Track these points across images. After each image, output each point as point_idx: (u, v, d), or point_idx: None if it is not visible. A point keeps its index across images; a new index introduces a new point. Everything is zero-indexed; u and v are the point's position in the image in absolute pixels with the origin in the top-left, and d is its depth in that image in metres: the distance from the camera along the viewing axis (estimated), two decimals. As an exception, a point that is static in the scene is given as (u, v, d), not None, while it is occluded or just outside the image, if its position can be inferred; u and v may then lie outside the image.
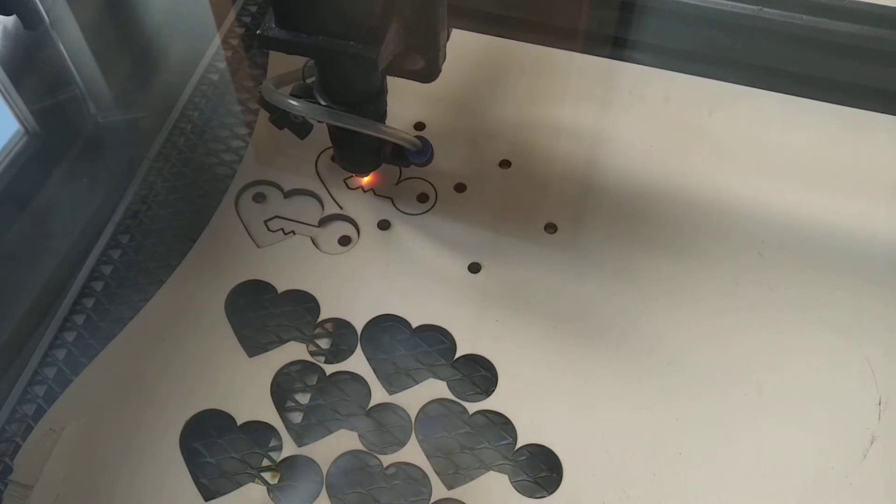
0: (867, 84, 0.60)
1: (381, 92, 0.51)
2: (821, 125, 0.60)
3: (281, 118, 0.52)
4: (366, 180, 0.58)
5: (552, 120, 0.62)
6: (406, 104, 0.61)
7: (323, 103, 0.50)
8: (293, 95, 0.50)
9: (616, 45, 0.63)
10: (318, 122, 0.52)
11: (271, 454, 0.49)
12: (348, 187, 0.59)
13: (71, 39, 0.66)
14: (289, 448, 0.48)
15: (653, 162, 0.59)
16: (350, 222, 0.57)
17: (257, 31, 0.46)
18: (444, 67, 0.50)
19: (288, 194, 0.59)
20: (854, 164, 0.58)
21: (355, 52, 0.44)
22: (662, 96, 0.62)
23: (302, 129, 0.53)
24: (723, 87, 0.62)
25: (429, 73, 0.50)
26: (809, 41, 0.60)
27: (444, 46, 0.49)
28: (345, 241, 0.57)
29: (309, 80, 0.51)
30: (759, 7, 0.58)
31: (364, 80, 0.49)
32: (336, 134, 0.54)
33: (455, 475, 0.48)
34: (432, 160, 0.54)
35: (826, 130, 0.60)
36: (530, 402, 0.49)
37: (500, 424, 0.49)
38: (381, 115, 0.53)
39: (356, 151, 0.55)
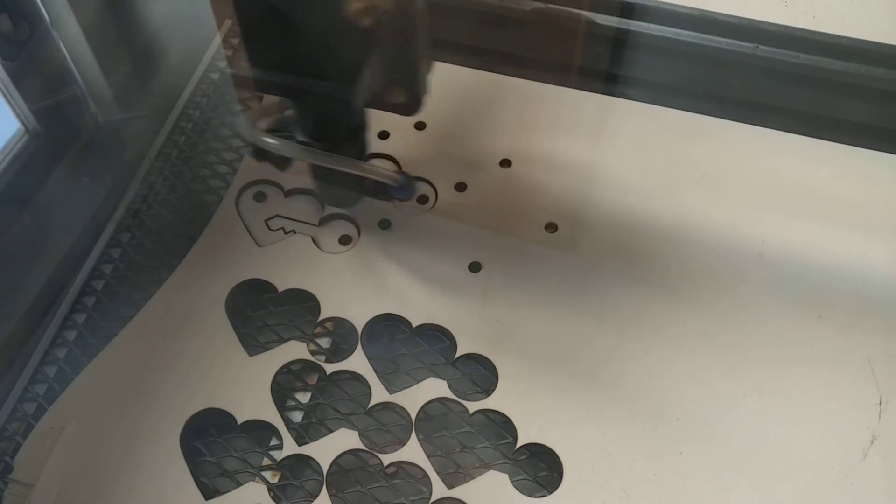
0: (863, 122, 0.61)
1: (362, 127, 0.50)
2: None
3: (260, 151, 0.50)
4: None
5: (553, 119, 0.62)
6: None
7: (300, 139, 0.48)
8: (271, 130, 0.49)
9: (609, 80, 0.64)
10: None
11: (272, 453, 0.49)
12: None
13: (71, 38, 0.66)
14: (289, 447, 0.48)
15: (653, 162, 0.59)
16: (350, 222, 0.57)
17: (226, 69, 0.44)
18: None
19: (288, 193, 0.59)
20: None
21: (332, 93, 0.43)
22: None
23: (283, 162, 0.52)
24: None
25: (411, 106, 0.48)
26: (805, 79, 0.61)
27: (426, 80, 0.48)
28: (345, 240, 0.57)
29: (287, 113, 0.50)
30: (755, 45, 0.59)
31: (342, 118, 0.48)
32: (317, 170, 0.53)
33: (455, 474, 0.48)
34: (415, 195, 0.53)
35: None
36: (531, 402, 0.49)
37: (501, 423, 0.49)
38: (360, 151, 0.51)
39: (337, 187, 0.54)
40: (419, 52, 0.46)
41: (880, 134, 0.60)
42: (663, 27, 0.63)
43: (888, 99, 0.60)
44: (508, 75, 0.64)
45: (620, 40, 0.63)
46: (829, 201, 0.57)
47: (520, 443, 0.48)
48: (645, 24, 0.63)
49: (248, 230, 0.57)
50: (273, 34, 0.42)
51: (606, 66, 0.64)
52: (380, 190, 0.52)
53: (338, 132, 0.49)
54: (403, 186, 0.51)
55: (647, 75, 0.64)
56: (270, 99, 0.49)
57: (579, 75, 0.64)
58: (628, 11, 0.63)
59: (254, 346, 0.52)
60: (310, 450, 0.48)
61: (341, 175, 0.50)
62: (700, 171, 0.59)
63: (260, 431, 0.49)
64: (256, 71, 0.44)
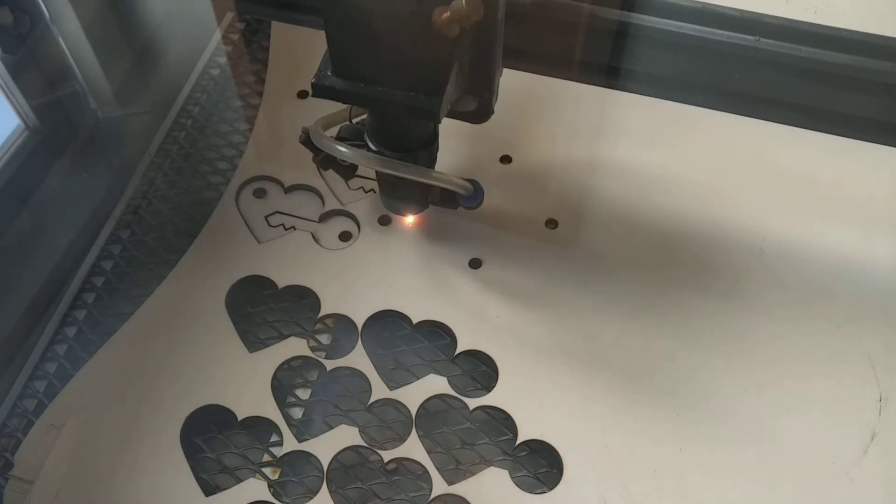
0: (864, 115, 0.61)
1: (435, 137, 0.50)
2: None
3: (326, 159, 0.50)
4: (409, 220, 0.57)
5: (554, 114, 0.62)
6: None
7: (373, 148, 0.48)
8: (340, 138, 0.49)
9: (610, 74, 0.64)
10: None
11: (272, 449, 0.49)
12: (349, 187, 0.58)
13: (71, 34, 0.66)
14: (289, 443, 0.48)
15: (653, 163, 0.59)
16: (351, 218, 0.57)
17: (312, 80, 0.44)
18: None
19: (288, 190, 0.59)
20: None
21: (417, 105, 0.42)
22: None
23: (348, 170, 0.52)
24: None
25: (481, 114, 0.48)
26: (806, 72, 0.61)
27: (497, 87, 0.48)
28: (345, 236, 0.57)
29: (356, 121, 0.50)
30: (757, 38, 0.59)
31: (420, 128, 0.48)
32: (384, 177, 0.52)
33: (455, 471, 0.48)
34: (482, 202, 0.53)
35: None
36: (531, 398, 0.49)
37: (501, 420, 0.49)
38: (432, 160, 0.51)
39: (405, 195, 0.53)
40: (496, 61, 0.46)
41: (882, 127, 0.60)
42: (665, 20, 0.63)
43: (891, 92, 0.60)
44: (510, 69, 0.64)
45: (622, 33, 0.63)
46: (831, 195, 0.57)
47: (520, 439, 0.48)
48: (646, 17, 0.63)
49: (248, 226, 0.57)
50: (359, 44, 0.42)
51: (607, 59, 0.64)
52: (448, 198, 0.52)
53: (415, 142, 0.49)
54: (473, 195, 0.51)
55: (648, 68, 0.64)
56: (338, 107, 0.49)
57: (580, 68, 0.64)
58: (629, 4, 0.63)
59: (254, 342, 0.52)
60: (310, 446, 0.48)
61: (408, 183, 0.49)
62: (701, 166, 0.59)
63: (260, 428, 0.49)
64: (341, 81, 0.43)
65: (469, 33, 0.43)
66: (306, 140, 0.49)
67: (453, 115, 0.48)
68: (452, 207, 0.53)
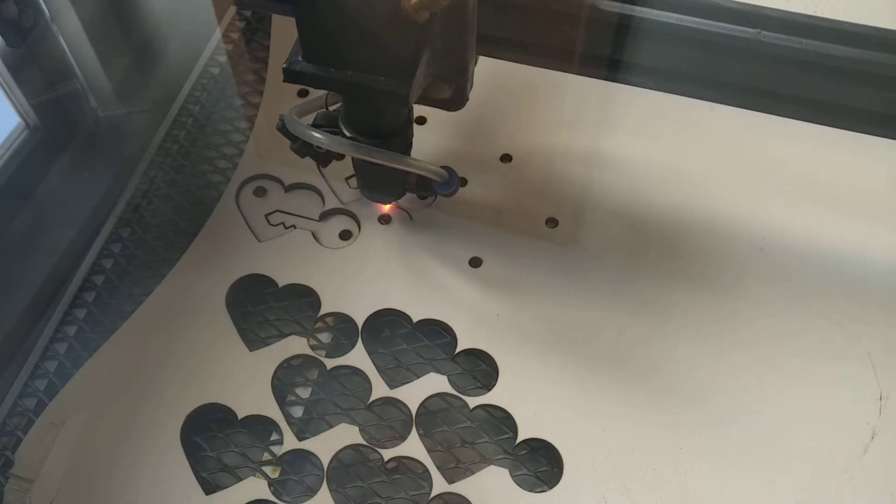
0: (865, 108, 0.60)
1: (409, 123, 0.50)
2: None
3: (303, 147, 0.50)
4: (387, 208, 0.57)
5: (554, 110, 0.62)
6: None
7: (348, 135, 0.48)
8: (316, 125, 0.49)
9: (612, 67, 0.63)
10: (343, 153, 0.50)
11: (272, 448, 0.49)
12: (349, 186, 0.58)
13: (71, 33, 0.66)
14: (289, 442, 0.48)
15: (653, 159, 0.59)
16: (351, 216, 0.57)
17: (283, 65, 0.44)
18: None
19: (289, 188, 0.59)
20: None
21: (387, 89, 0.43)
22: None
23: (325, 157, 0.52)
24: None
25: (456, 101, 0.48)
26: (807, 65, 0.60)
27: (472, 75, 0.48)
28: (346, 235, 0.57)
29: (332, 109, 0.50)
30: (758, 30, 0.58)
31: (392, 114, 0.48)
32: (360, 165, 0.52)
33: (456, 469, 0.48)
34: (458, 190, 0.53)
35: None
36: (531, 397, 0.49)
37: (501, 419, 0.49)
38: (407, 147, 0.51)
39: (381, 182, 0.53)
40: (469, 48, 0.46)
41: (884, 120, 0.60)
42: (665, 12, 0.62)
43: (892, 84, 0.60)
44: (509, 61, 0.64)
45: (622, 25, 0.63)
46: (831, 190, 0.57)
47: (520, 438, 0.48)
48: (647, 10, 0.63)
49: (248, 225, 0.57)
50: (328, 28, 0.42)
51: (608, 52, 0.64)
52: (424, 185, 0.52)
53: (388, 128, 0.49)
54: (448, 182, 0.52)
55: (648, 61, 0.63)
56: (315, 94, 0.49)
57: (580, 61, 0.64)
58: (630, -4, 0.63)
59: (254, 340, 0.52)
60: (310, 445, 0.48)
61: (384, 170, 0.49)
62: (702, 159, 0.59)
63: (260, 426, 0.49)
64: (311, 66, 0.43)
65: (440, 19, 0.42)
66: (283, 127, 0.49)
67: (428, 102, 0.48)
68: (429, 195, 0.53)
